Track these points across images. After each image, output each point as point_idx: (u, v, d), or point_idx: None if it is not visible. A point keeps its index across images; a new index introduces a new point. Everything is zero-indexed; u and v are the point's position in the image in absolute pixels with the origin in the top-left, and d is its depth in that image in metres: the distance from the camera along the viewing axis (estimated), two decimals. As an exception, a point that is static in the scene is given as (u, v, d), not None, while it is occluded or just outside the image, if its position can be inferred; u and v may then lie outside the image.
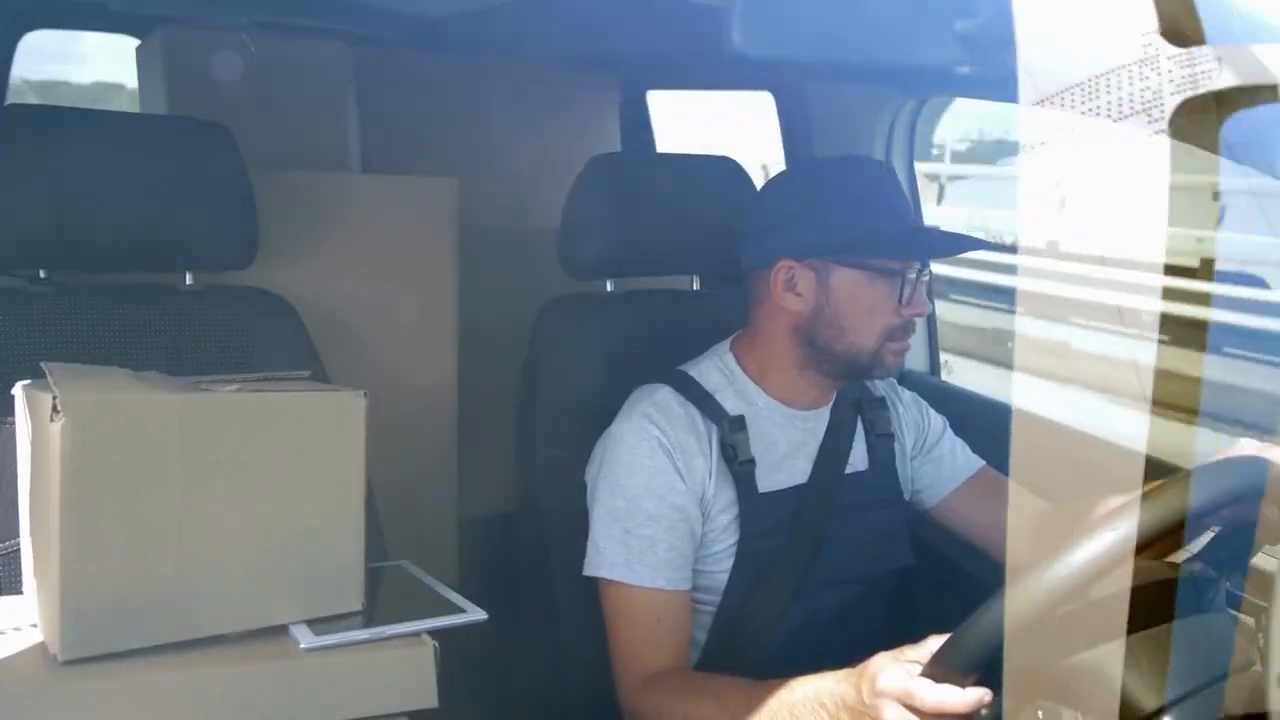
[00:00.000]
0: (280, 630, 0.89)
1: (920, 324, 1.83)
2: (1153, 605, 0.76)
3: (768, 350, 1.18)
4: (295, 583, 0.90)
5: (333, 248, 1.59)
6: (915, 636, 0.86)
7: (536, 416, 1.30)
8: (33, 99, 2.26)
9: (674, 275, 1.44)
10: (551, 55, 2.10)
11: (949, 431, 1.32)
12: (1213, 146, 0.69)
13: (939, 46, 0.82)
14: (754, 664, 1.12)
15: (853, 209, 1.12)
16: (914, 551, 1.27)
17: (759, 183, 1.32)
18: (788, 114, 2.07)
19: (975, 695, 0.76)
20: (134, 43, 1.90)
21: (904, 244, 1.14)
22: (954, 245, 1.20)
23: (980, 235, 1.19)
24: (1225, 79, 0.64)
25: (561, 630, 1.24)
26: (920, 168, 1.89)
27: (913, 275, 1.11)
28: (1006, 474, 1.29)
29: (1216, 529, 0.86)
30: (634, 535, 1.10)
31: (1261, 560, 0.95)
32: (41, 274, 1.16)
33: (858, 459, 1.23)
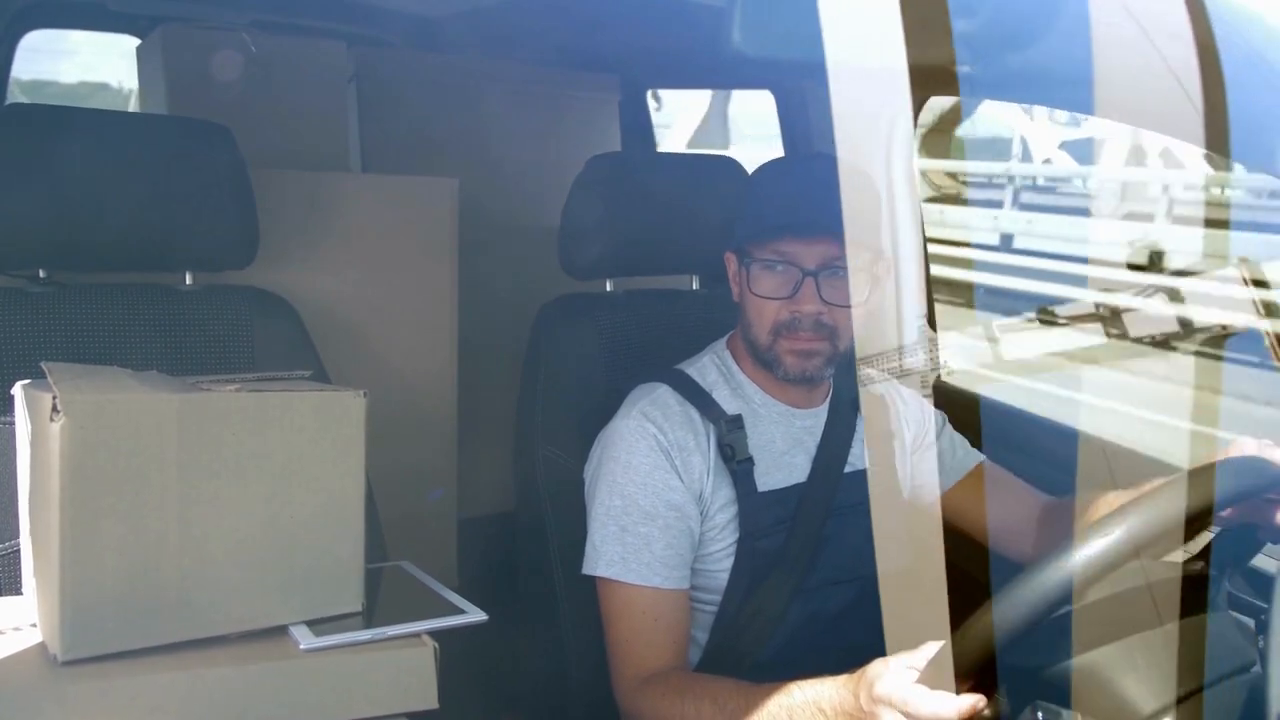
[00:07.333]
0: (280, 630, 0.89)
1: (919, 323, 1.83)
2: (1152, 606, 0.76)
3: (740, 345, 1.20)
4: (295, 583, 0.90)
5: (333, 248, 1.59)
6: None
7: (536, 416, 1.29)
8: (21, 98, 2.26)
9: (673, 275, 1.44)
10: (551, 55, 2.10)
11: (948, 427, 1.32)
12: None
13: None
14: (754, 663, 1.12)
15: (758, 202, 1.15)
16: (913, 551, 1.27)
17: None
18: (787, 114, 2.07)
19: (969, 702, 0.76)
20: (126, 41, 1.90)
21: (766, 232, 1.11)
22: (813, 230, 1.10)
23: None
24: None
25: (561, 630, 1.23)
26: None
27: (806, 270, 1.08)
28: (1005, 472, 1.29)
29: (1216, 529, 0.86)
30: (630, 533, 1.10)
31: (1261, 560, 0.95)
32: (41, 274, 1.16)
33: (857, 457, 1.23)
